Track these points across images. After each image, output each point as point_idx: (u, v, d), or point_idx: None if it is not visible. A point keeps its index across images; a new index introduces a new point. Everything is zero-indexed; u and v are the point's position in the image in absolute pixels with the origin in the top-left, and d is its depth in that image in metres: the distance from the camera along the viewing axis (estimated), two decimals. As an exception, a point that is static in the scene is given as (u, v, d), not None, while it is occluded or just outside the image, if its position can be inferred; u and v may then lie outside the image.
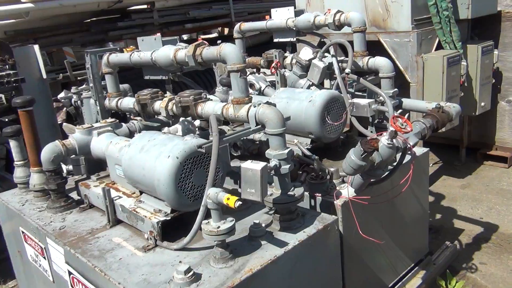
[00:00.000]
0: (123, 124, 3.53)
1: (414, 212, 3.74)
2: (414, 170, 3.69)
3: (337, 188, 3.14)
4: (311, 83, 3.91)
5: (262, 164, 2.32)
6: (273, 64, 4.23)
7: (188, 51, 2.79)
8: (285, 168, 2.55)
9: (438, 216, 5.08)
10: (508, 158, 6.03)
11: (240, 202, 2.15)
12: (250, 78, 4.43)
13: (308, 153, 3.48)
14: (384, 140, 2.70)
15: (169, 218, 2.57)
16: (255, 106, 2.60)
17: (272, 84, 4.38)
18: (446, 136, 6.43)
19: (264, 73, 4.62)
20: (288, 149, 2.56)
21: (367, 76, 3.76)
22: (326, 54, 3.93)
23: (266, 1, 9.26)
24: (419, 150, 3.64)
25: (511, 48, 5.71)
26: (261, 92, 4.34)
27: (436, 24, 5.15)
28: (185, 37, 12.98)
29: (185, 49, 2.87)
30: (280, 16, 4.26)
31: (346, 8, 5.70)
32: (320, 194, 3.09)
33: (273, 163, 2.53)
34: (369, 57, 3.63)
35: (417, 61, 5.15)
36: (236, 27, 4.70)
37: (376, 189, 3.12)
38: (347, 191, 2.99)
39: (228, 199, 2.16)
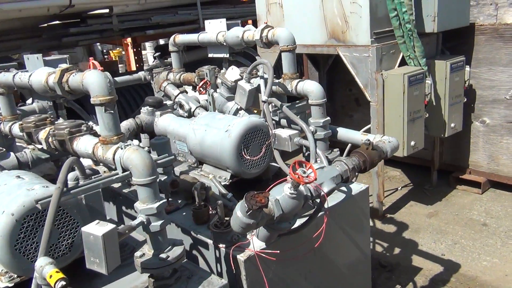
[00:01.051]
0: (11, 153, 3.07)
1: (352, 260, 3.25)
2: (351, 212, 3.23)
3: (248, 237, 2.67)
4: (239, 106, 3.43)
5: (109, 227, 1.85)
6: (200, 83, 3.76)
7: (54, 77, 2.32)
8: (156, 225, 2.09)
9: (396, 250, 4.60)
10: (482, 183, 5.52)
11: (64, 283, 1.68)
12: (180, 97, 3.97)
13: (223, 190, 3.01)
14: (286, 189, 2.23)
15: (12, 285, 2.10)
16: (122, 148, 2.13)
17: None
18: (419, 156, 5.94)
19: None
20: (160, 202, 2.09)
21: (297, 101, 3.28)
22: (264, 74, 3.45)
23: (239, 6, 8.79)
24: (356, 188, 3.15)
25: (485, 64, 5.21)
26: (191, 114, 3.87)
27: (399, 38, 4.66)
28: (161, 41, 12.41)
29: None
30: (212, 29, 3.79)
31: (305, 19, 5.28)
32: (224, 245, 2.61)
33: (139, 219, 2.06)
34: (298, 80, 3.15)
35: (377, 78, 4.66)
36: (171, 39, 4.24)
37: (293, 240, 2.65)
38: (254, 243, 2.53)
39: (50, 276, 1.69)
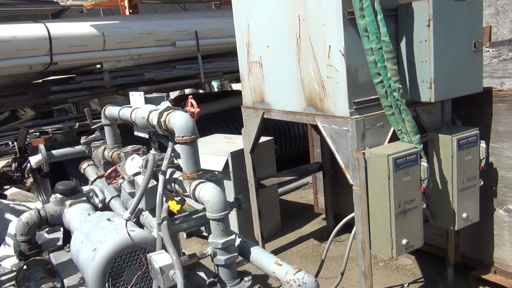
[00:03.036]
0: None
1: None
2: None
3: None
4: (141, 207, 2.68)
5: None
6: (108, 171, 3.07)
7: None
8: None
9: None
10: (510, 288, 4.31)
11: None
12: (96, 184, 3.30)
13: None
14: None
15: None
16: None
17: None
18: (435, 243, 4.87)
19: (130, 173, 3.46)
20: None
21: (199, 210, 2.46)
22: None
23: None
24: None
25: (507, 139, 4.13)
26: (105, 205, 3.18)
27: (387, 109, 3.75)
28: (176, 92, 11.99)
29: None
30: (135, 103, 3.13)
31: (284, 81, 4.50)
32: None
33: None
34: (198, 182, 2.36)
35: (358, 158, 3.75)
36: (103, 110, 3.63)
37: None
38: None
39: None
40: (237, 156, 5.87)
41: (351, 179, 3.87)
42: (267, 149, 6.39)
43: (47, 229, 3.42)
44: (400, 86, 3.59)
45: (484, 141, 4.05)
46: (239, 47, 5.11)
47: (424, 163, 3.72)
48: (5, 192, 7.19)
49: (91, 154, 3.98)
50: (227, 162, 5.81)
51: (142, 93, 3.11)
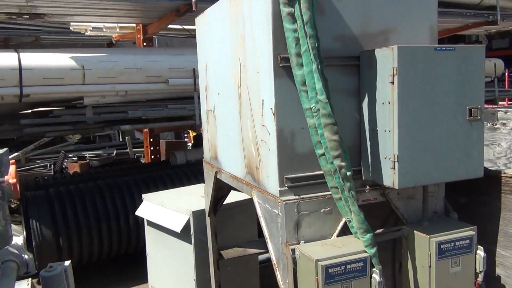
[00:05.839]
0: None
1: None
2: None
3: None
4: None
5: None
6: None
7: None
8: None
9: None
10: None
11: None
12: None
13: None
14: None
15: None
16: None
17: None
18: None
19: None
20: None
21: None
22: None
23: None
24: None
25: (520, 247, 2.88)
26: None
27: (334, 190, 2.71)
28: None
29: None
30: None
31: (230, 138, 3.62)
32: None
33: None
34: None
35: (287, 254, 2.71)
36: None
37: None
38: None
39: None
40: (202, 215, 4.95)
41: (280, 281, 2.83)
42: (247, 209, 5.40)
43: None
44: (343, 163, 2.54)
45: (482, 247, 2.83)
46: (201, 92, 4.32)
47: (376, 276, 2.59)
48: None
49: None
50: (188, 222, 4.90)
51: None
